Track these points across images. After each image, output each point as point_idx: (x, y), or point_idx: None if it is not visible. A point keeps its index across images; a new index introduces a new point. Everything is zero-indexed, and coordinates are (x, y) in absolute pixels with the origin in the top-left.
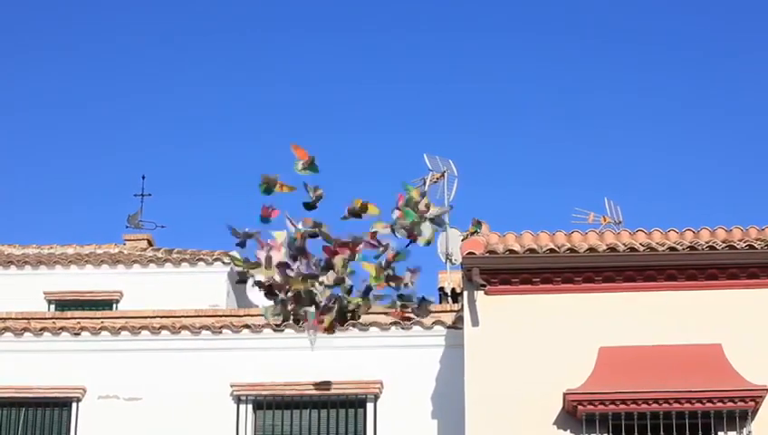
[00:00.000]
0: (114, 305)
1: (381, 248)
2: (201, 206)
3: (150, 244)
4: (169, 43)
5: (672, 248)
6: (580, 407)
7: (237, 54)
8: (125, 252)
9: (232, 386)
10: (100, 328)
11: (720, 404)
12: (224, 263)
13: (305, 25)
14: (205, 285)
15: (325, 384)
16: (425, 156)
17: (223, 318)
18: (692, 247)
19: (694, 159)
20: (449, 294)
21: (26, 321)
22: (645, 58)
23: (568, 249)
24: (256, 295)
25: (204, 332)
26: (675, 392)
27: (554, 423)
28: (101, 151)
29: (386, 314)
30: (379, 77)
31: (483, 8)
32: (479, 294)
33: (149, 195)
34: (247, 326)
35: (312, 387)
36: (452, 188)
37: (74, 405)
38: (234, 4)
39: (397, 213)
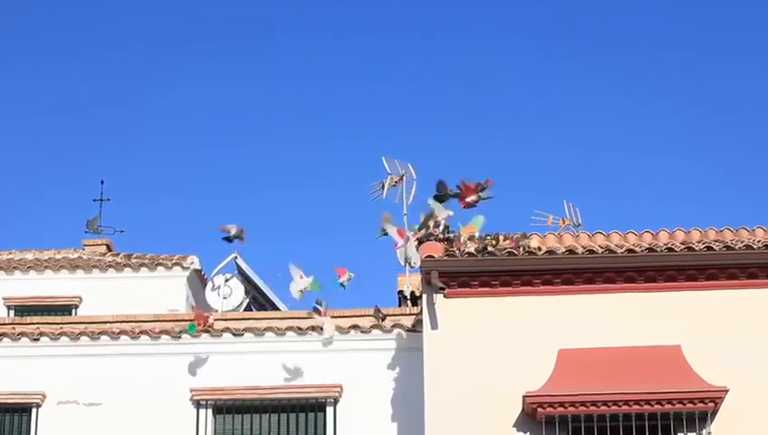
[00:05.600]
0: (73, 311)
1: None
2: (160, 211)
3: (109, 249)
4: (126, 50)
5: (631, 250)
6: (539, 409)
7: (196, 60)
8: (84, 257)
9: (192, 390)
10: (60, 333)
11: (680, 406)
12: (183, 267)
13: (269, 31)
14: (164, 290)
15: (285, 388)
16: (383, 159)
17: (182, 323)
18: (651, 249)
19: (653, 160)
20: (408, 297)
21: None
22: (608, 58)
23: (527, 252)
24: (215, 299)
25: (163, 336)
26: (634, 394)
27: (514, 426)
28: (60, 156)
29: (354, 316)
30: (348, 81)
31: (449, 13)
32: (438, 297)
33: (108, 200)
34: (207, 331)
35: (271, 391)
36: (410, 192)
37: (34, 411)
38: (195, 13)
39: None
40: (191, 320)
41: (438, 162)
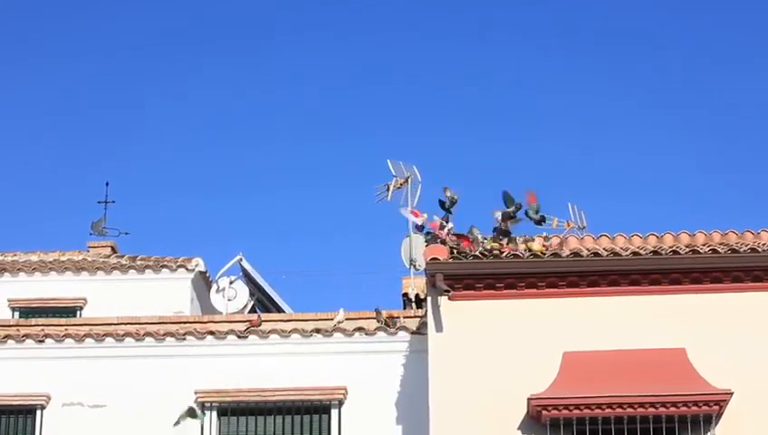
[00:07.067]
0: (78, 312)
1: None
2: (165, 212)
3: (114, 251)
4: (127, 50)
5: (636, 253)
6: (544, 412)
7: (196, 60)
8: (89, 259)
9: (196, 393)
10: (65, 335)
11: (684, 409)
12: (187, 269)
13: (269, 31)
14: (168, 292)
15: (289, 390)
16: (388, 161)
17: (187, 325)
18: (655, 252)
19: (656, 160)
20: (413, 299)
21: None
22: (608, 58)
23: (531, 254)
24: (219, 301)
25: (168, 338)
26: (639, 397)
27: (519, 428)
28: (65, 158)
29: (359, 318)
30: (348, 81)
31: (444, 14)
32: (443, 300)
33: (113, 202)
34: (211, 333)
35: (276, 393)
36: (416, 194)
37: (39, 412)
38: (195, 13)
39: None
40: (197, 322)
41: (438, 162)
